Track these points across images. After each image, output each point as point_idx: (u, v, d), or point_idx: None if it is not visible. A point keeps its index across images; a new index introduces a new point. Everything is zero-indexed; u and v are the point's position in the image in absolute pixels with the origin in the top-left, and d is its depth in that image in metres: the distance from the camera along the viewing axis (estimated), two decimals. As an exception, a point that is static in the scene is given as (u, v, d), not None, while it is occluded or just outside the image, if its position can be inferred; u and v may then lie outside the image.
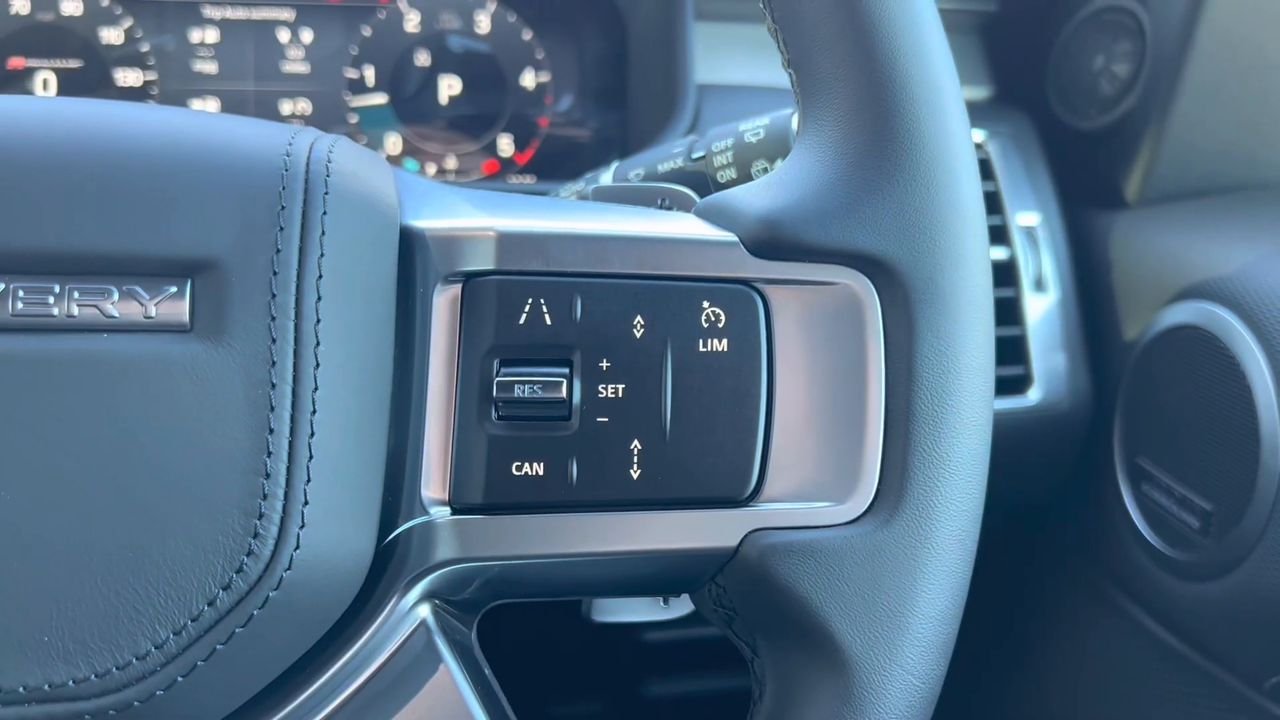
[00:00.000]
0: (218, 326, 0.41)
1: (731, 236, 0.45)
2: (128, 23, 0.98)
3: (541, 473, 0.43)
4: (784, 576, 0.43)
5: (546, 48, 1.03)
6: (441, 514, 0.44)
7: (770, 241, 0.44)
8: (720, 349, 0.44)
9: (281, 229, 0.42)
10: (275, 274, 0.41)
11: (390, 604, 0.44)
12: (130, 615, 0.40)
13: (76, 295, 0.40)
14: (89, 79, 0.98)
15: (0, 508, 0.39)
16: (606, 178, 0.65)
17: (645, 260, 0.45)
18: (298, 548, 0.41)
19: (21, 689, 0.39)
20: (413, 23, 1.01)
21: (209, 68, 1.00)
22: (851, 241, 0.43)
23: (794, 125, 0.60)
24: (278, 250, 0.41)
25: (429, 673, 0.45)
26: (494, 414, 0.44)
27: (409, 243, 0.45)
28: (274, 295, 0.41)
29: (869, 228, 0.43)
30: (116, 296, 0.41)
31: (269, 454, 0.41)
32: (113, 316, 0.41)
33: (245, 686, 0.42)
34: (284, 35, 1.00)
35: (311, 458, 0.41)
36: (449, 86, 1.02)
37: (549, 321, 0.44)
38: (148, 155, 0.42)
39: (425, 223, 0.46)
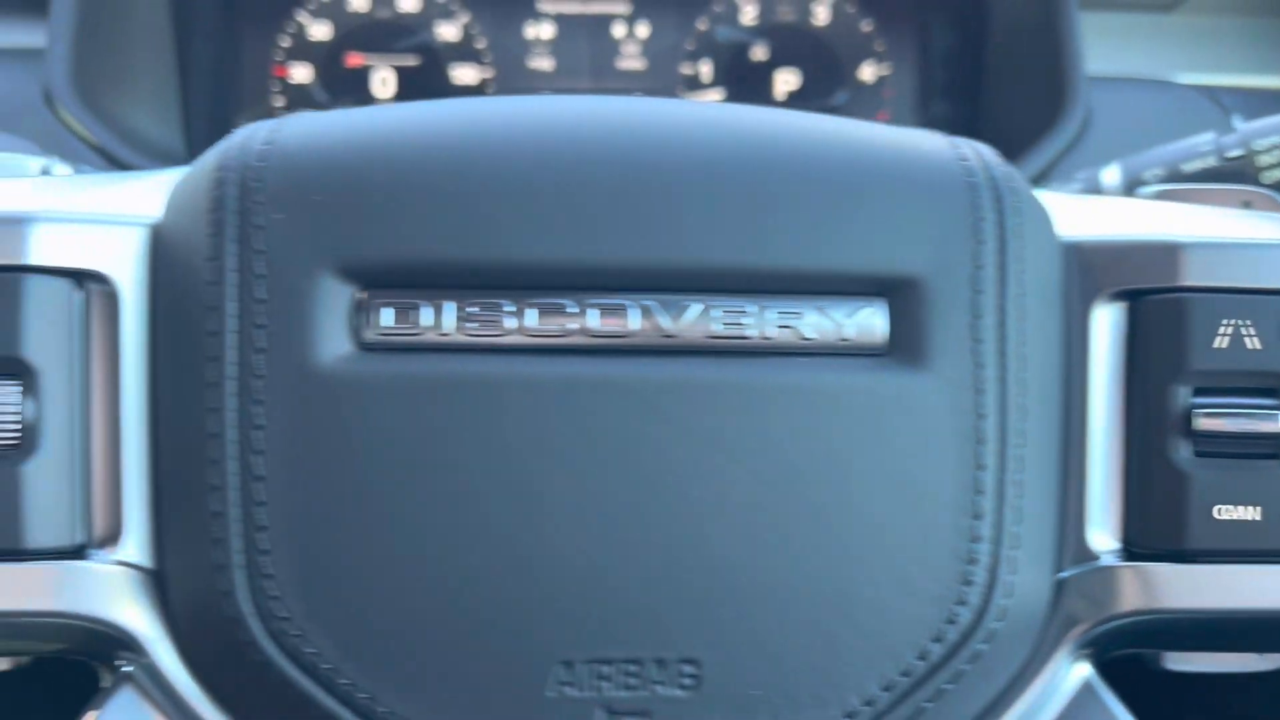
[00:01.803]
0: (917, 350, 0.37)
1: None
2: (465, 19, 0.96)
3: (1258, 518, 0.38)
4: None
5: (888, 39, 0.98)
6: (1114, 559, 0.40)
7: None
8: None
9: (981, 243, 0.37)
10: (978, 292, 0.37)
11: (1055, 658, 0.40)
12: (840, 668, 0.36)
13: (773, 315, 0.37)
14: (426, 76, 0.96)
15: (700, 545, 0.35)
16: (1110, 177, 0.59)
17: None
18: (1009, 596, 0.36)
19: None
20: (749, 15, 0.97)
21: (545, 64, 0.97)
22: None
23: None
24: (978, 266, 0.37)
25: None
26: (1187, 449, 0.39)
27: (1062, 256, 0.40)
28: (977, 316, 0.37)
29: None
30: (811, 316, 0.37)
31: (979, 492, 0.36)
32: (808, 339, 0.37)
33: None
34: (619, 30, 0.97)
35: (1021, 495, 0.37)
36: (785, 81, 0.98)
37: (1255, 345, 0.39)
38: (833, 167, 0.38)
39: (1076, 233, 0.41)
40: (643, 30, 0.97)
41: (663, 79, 0.97)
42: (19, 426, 0.36)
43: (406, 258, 0.36)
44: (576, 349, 0.36)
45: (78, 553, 0.37)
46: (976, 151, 0.40)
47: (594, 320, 0.36)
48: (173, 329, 0.36)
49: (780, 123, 0.39)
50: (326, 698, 0.35)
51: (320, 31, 0.95)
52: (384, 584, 0.35)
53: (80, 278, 0.37)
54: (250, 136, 0.38)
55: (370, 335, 0.36)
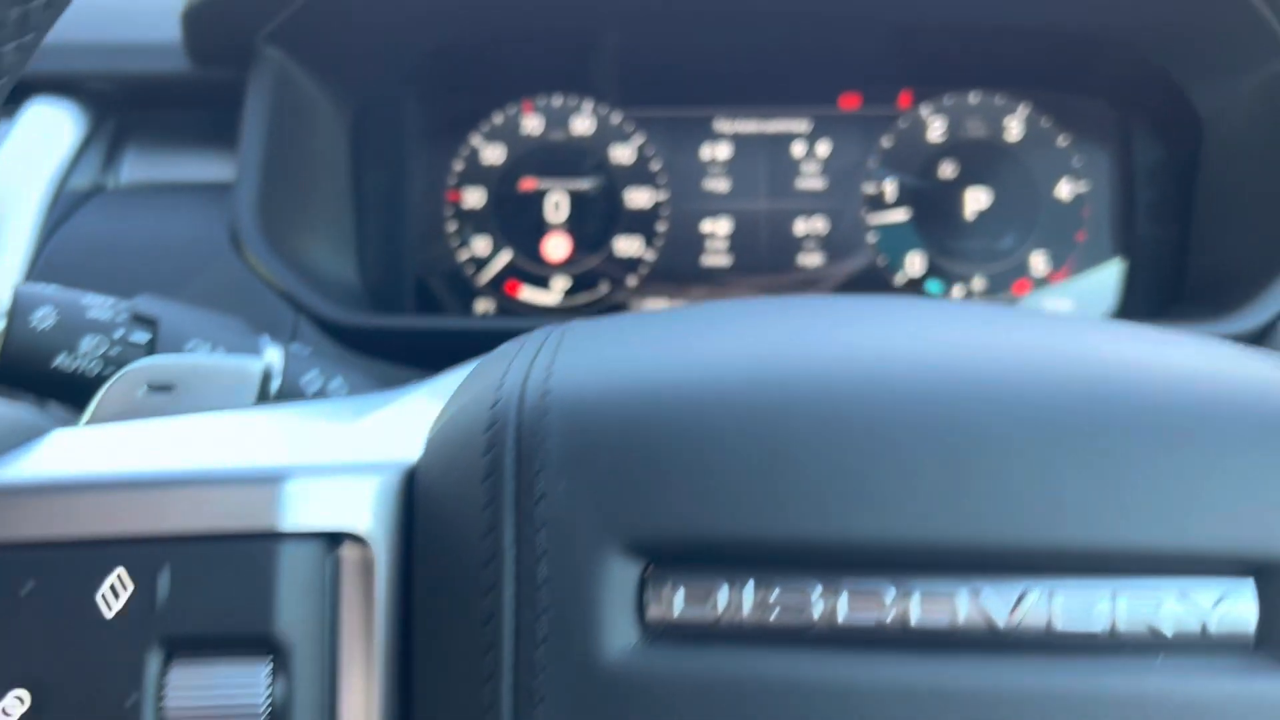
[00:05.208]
0: None
1: None
2: (639, 140, 0.93)
3: None
4: None
5: (1086, 155, 0.92)
6: None
7: None
8: None
9: None
10: None
11: None
12: None
13: (1125, 605, 0.31)
14: (599, 200, 0.94)
15: None
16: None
17: None
18: None
19: None
20: (936, 131, 0.93)
21: (720, 185, 0.93)
22: None
23: None
24: None
25: None
26: None
27: None
28: None
29: None
30: (1170, 604, 0.31)
31: None
32: (1164, 634, 0.31)
33: None
34: (799, 149, 0.93)
35: None
36: (975, 200, 0.92)
37: None
38: (1183, 419, 0.33)
39: None
40: (823, 149, 0.93)
41: (844, 199, 0.93)
42: (270, 710, 0.33)
43: (702, 533, 0.32)
44: (896, 641, 0.31)
45: None
46: None
47: (917, 609, 0.31)
48: (437, 605, 0.33)
49: (1103, 355, 0.35)
50: None
51: (493, 155, 0.94)
52: None
53: (333, 539, 0.34)
54: (522, 385, 0.34)
55: (660, 622, 0.32)
